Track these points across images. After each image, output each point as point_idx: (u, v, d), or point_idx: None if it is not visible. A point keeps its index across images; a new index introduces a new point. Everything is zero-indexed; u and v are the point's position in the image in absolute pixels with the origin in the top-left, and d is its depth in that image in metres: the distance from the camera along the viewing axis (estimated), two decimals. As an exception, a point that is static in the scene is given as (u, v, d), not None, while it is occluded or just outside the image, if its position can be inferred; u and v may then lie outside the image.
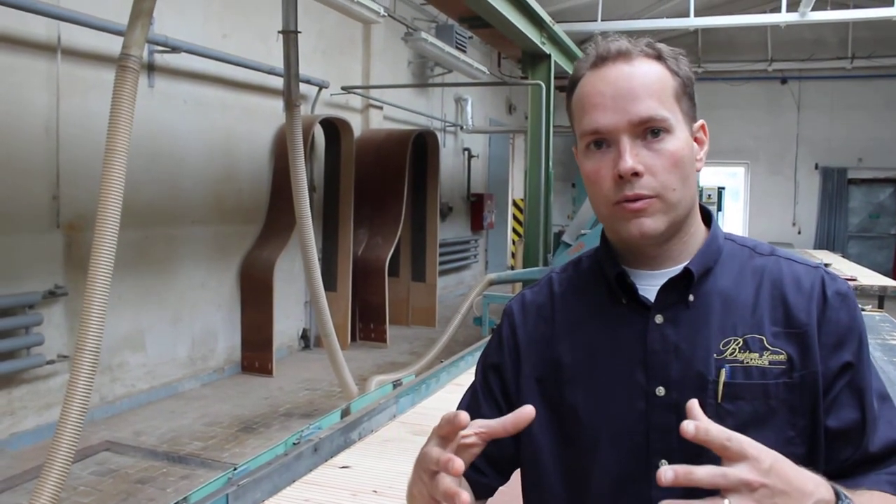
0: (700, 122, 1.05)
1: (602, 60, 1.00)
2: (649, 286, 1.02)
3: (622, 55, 0.99)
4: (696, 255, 1.02)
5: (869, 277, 7.19)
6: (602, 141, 0.99)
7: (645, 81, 0.97)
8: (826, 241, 14.28)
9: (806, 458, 0.95)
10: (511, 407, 1.06)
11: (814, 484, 0.80)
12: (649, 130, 0.97)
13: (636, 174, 0.95)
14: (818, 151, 14.49)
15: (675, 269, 1.02)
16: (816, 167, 14.58)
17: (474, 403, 1.13)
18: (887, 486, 0.95)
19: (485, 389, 1.12)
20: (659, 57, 1.00)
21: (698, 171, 1.03)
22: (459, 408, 1.14)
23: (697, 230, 1.05)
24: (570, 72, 1.09)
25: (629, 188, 0.96)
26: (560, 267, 1.17)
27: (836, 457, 0.97)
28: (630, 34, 1.06)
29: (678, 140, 0.98)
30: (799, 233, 14.61)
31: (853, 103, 14.07)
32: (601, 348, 1.03)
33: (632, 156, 0.96)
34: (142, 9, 2.88)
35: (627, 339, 1.01)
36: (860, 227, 14.65)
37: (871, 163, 14.17)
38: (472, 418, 1.07)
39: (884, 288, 6.74)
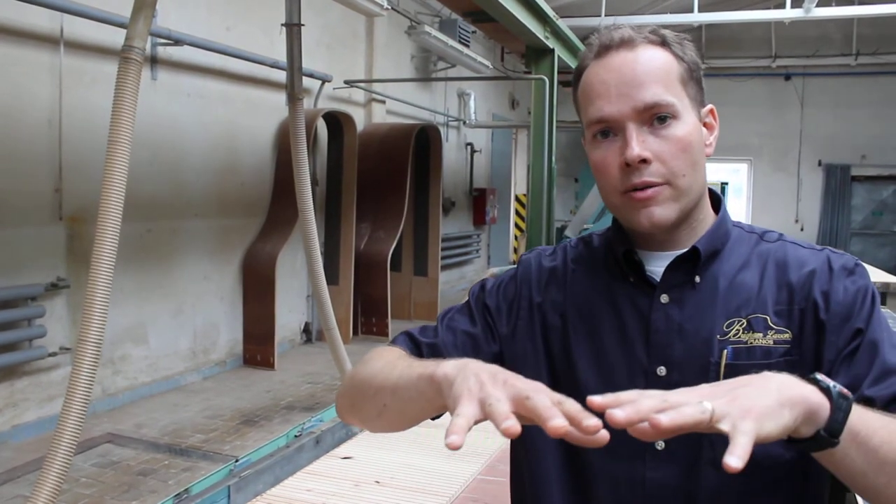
0: (709, 106, 1.04)
1: (605, 49, 1.00)
2: (657, 267, 1.03)
3: (625, 43, 0.99)
4: (703, 235, 1.03)
5: (872, 274, 7.18)
6: (608, 130, 0.98)
7: (649, 68, 0.97)
8: (829, 238, 14.24)
9: None
10: (501, 345, 1.10)
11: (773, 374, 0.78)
12: (655, 117, 0.96)
13: (644, 161, 0.95)
14: (821, 148, 14.44)
15: (683, 251, 1.02)
16: (819, 164, 14.54)
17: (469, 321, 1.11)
18: None
19: (476, 316, 1.11)
20: (663, 43, 1.00)
21: (708, 156, 1.03)
22: (450, 323, 1.12)
23: (707, 215, 1.06)
24: (574, 67, 1.08)
25: (637, 176, 0.96)
26: (572, 241, 1.17)
27: None
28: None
29: (686, 125, 0.98)
30: (802, 230, 14.57)
31: (857, 100, 14.01)
32: (605, 324, 1.04)
33: (638, 143, 0.95)
34: (145, 1, 2.87)
35: (631, 318, 1.02)
36: (863, 224, 14.61)
37: (874, 160, 14.12)
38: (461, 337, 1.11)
39: (886, 285, 6.71)
